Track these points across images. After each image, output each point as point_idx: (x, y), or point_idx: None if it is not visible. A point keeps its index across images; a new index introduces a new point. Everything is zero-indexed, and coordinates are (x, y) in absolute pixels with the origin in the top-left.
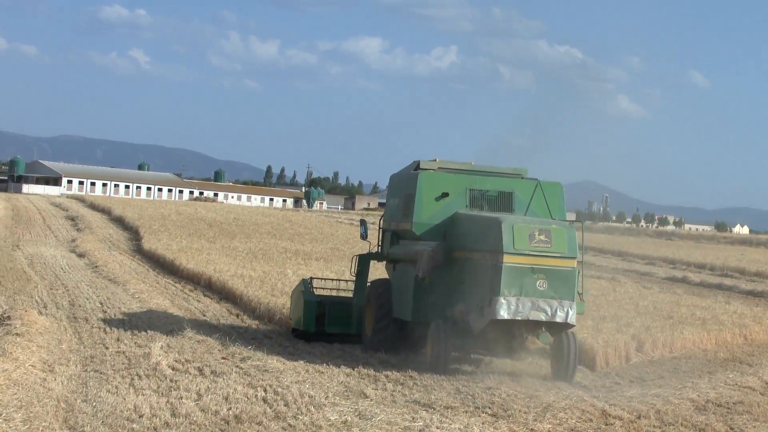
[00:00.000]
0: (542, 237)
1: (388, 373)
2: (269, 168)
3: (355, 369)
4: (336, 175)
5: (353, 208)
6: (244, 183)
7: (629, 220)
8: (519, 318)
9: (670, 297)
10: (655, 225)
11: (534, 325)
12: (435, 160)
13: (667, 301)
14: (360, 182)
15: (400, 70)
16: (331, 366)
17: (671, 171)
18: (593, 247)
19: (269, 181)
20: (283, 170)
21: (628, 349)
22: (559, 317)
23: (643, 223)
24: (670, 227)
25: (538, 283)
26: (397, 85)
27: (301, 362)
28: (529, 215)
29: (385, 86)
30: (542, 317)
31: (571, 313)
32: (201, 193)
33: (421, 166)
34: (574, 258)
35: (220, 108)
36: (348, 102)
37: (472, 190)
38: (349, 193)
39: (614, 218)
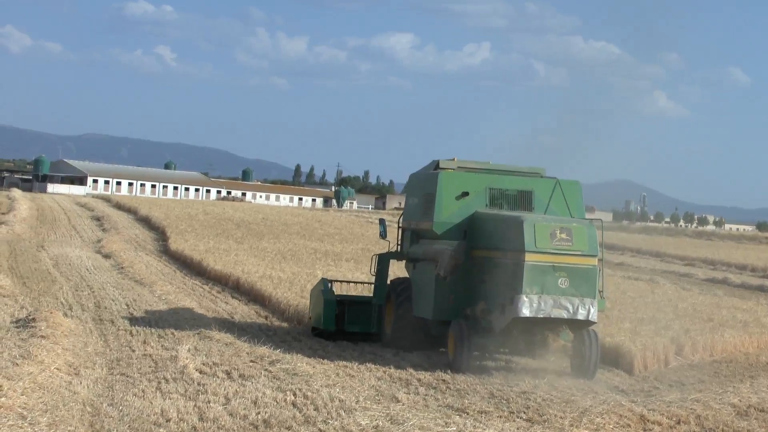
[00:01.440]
0: (563, 235)
1: (420, 376)
2: (298, 167)
3: (387, 372)
4: (366, 174)
5: (384, 208)
6: (273, 182)
7: (667, 219)
8: (541, 316)
9: (710, 299)
10: (695, 225)
11: (555, 323)
12: (454, 159)
13: (707, 303)
14: (391, 181)
15: (431, 67)
16: (361, 369)
17: (711, 169)
18: (631, 247)
19: (298, 181)
20: (312, 169)
21: (667, 352)
22: (581, 315)
23: (681, 223)
24: (710, 227)
25: (559, 281)
26: (428, 82)
27: (331, 365)
28: (549, 214)
29: (416, 83)
30: (564, 315)
31: (592, 310)
32: (228, 193)
33: (441, 165)
34: (595, 256)
35: (248, 106)
36: (378, 99)
37: (492, 189)
38: (379, 193)
39: (652, 218)
